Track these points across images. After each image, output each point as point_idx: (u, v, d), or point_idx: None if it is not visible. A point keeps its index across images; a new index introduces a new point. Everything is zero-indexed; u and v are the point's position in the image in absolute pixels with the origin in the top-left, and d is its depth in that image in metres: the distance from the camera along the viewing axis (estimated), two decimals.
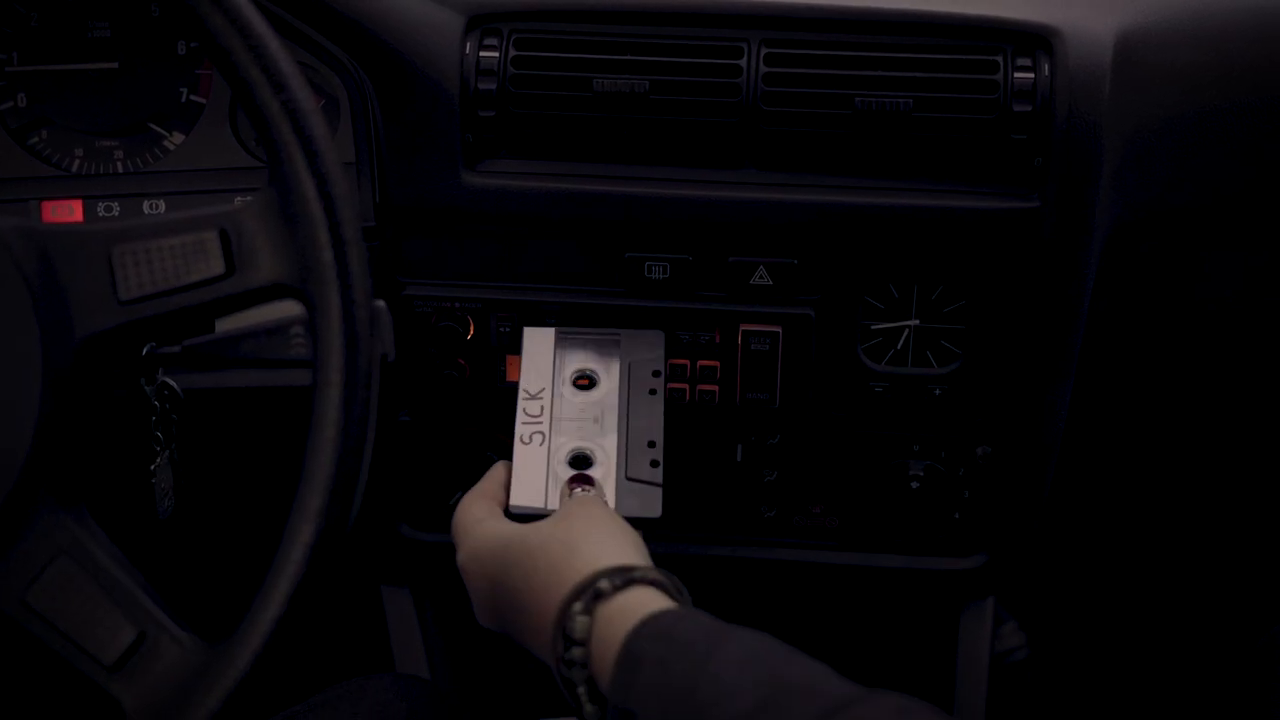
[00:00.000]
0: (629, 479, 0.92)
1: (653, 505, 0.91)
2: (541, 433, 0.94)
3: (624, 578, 0.75)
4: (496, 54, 1.00)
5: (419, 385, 1.08)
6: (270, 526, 0.71)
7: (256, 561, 0.71)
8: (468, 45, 1.00)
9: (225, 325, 1.02)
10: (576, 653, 0.74)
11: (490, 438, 1.11)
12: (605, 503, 0.89)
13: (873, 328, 1.05)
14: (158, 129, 1.08)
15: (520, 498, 0.90)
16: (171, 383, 1.01)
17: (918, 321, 1.04)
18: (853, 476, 1.10)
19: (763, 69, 0.98)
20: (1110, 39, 0.99)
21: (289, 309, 0.73)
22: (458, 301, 1.05)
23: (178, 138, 1.08)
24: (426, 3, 1.01)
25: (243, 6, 0.70)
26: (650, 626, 0.70)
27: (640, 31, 1.00)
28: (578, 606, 0.74)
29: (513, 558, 0.81)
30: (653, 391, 0.98)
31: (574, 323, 1.03)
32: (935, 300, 1.04)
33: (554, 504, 0.90)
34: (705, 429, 1.09)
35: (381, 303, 0.72)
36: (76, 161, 1.08)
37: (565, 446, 0.94)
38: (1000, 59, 0.98)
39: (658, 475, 0.92)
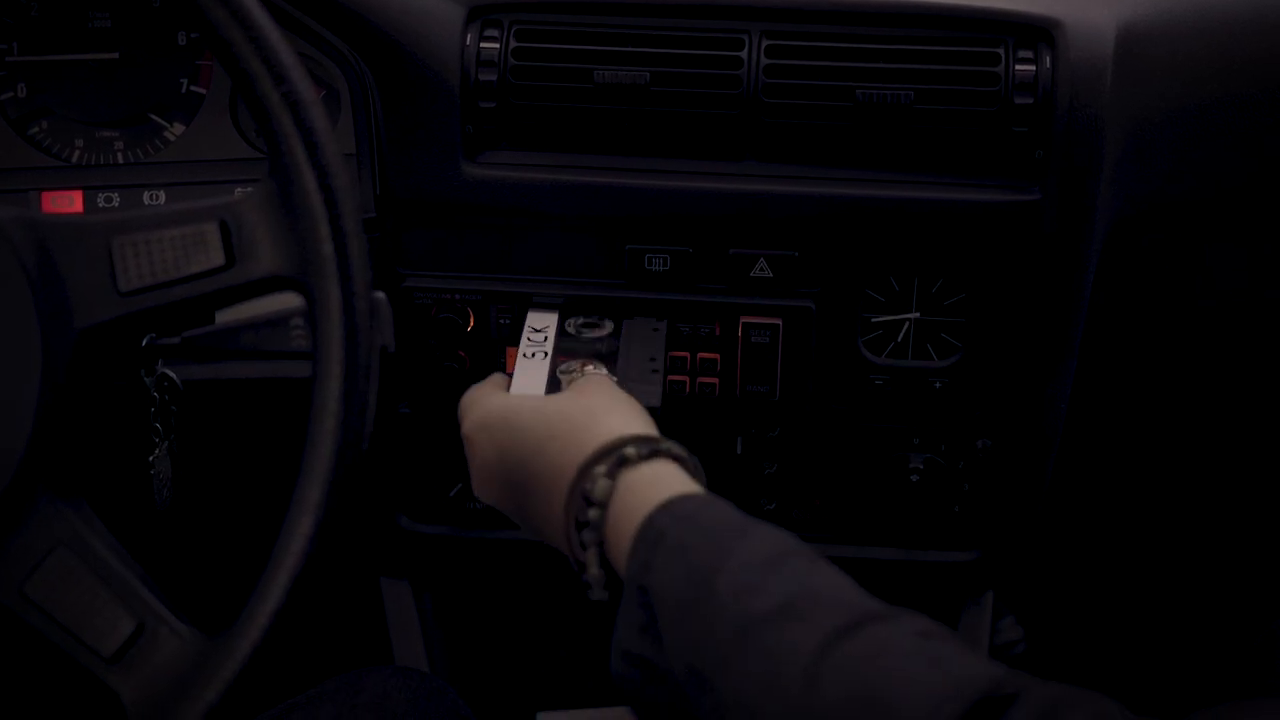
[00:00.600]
0: (629, 381, 0.92)
1: (653, 396, 0.90)
2: (545, 352, 0.95)
3: (650, 447, 0.74)
4: (497, 45, 1.00)
5: (419, 377, 1.08)
6: (269, 518, 0.71)
7: (255, 553, 0.71)
8: (468, 36, 1.00)
9: (225, 317, 1.02)
10: (593, 514, 0.72)
11: None
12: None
13: (873, 320, 1.05)
14: (158, 120, 1.08)
15: (521, 390, 0.89)
16: (171, 374, 1.01)
17: (918, 314, 1.04)
18: (853, 469, 1.10)
19: (764, 61, 0.98)
20: (1112, 31, 0.99)
21: (289, 301, 0.73)
22: (458, 293, 1.05)
23: (178, 128, 1.08)
24: None
25: None
26: (675, 507, 0.69)
27: (641, 23, 1.00)
28: (601, 469, 0.73)
29: (527, 423, 0.80)
30: (655, 329, 1.00)
31: (574, 314, 1.03)
32: (936, 293, 1.04)
33: None
34: (705, 422, 1.08)
35: (381, 295, 0.72)
36: (76, 152, 1.07)
37: (566, 364, 0.94)
38: (1001, 51, 0.98)
39: (658, 379, 0.93)
